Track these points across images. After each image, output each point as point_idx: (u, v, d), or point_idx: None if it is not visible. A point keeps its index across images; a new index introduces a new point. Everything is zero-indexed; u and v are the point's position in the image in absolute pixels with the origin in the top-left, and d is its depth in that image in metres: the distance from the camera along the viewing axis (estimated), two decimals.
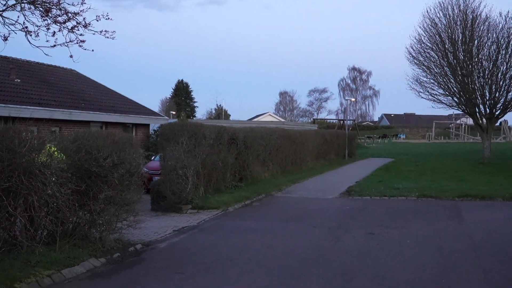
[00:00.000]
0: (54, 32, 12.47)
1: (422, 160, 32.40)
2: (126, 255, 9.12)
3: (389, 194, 17.08)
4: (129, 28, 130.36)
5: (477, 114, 31.42)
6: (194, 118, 74.43)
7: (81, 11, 12.49)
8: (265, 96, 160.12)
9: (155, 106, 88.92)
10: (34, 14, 12.35)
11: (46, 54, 15.06)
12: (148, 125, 27.33)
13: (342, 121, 70.21)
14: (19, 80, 21.05)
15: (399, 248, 9.69)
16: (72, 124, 20.93)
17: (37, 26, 12.36)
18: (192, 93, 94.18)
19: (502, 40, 29.44)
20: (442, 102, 32.12)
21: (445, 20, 30.70)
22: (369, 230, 11.25)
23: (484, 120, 31.49)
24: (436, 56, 31.44)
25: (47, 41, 12.52)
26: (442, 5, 30.79)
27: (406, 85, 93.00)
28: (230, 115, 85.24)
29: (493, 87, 30.19)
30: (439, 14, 30.86)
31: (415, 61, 32.02)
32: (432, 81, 31.90)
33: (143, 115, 26.55)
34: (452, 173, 23.98)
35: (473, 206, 14.96)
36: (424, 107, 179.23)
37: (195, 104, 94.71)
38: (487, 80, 30.22)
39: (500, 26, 29.43)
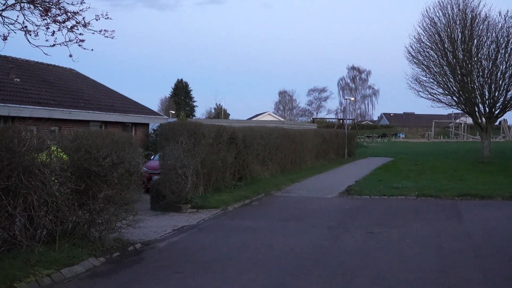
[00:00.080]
0: (54, 31, 12.46)
1: (421, 160, 32.39)
2: (125, 254, 9.12)
3: (388, 193, 17.09)
4: (128, 27, 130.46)
5: (477, 113, 31.43)
6: (194, 118, 74.42)
7: (80, 10, 12.50)
8: (265, 95, 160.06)
9: (154, 106, 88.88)
10: (33, 13, 12.35)
11: (46, 54, 15.08)
12: (147, 125, 27.32)
13: (341, 121, 70.16)
14: (18, 80, 21.04)
15: (398, 247, 9.70)
16: (72, 124, 20.92)
17: (36, 25, 12.36)
18: (191, 93, 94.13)
19: (501, 39, 29.45)
20: (442, 102, 32.15)
21: (444, 19, 30.71)
22: (368, 230, 11.25)
23: (483, 119, 31.50)
24: (435, 56, 31.45)
25: (46, 40, 12.52)
26: (441, 4, 30.81)
27: (405, 85, 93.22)
28: (229, 115, 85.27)
29: (492, 86, 30.19)
30: (439, 13, 30.89)
31: (415, 60, 32.04)
32: (431, 80, 31.92)
33: (143, 114, 26.53)
34: (452, 173, 23.98)
35: (472, 205, 14.96)
36: (424, 106, 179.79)
37: (195, 104, 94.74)
38: (486, 79, 30.23)
39: (500, 25, 29.47)
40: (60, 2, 12.40)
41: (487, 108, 30.95)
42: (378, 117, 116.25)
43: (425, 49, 31.67)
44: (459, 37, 30.31)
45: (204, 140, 15.39)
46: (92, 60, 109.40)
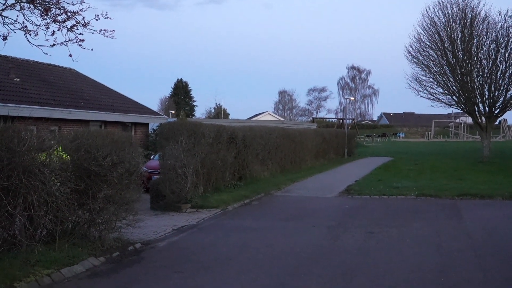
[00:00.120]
0: (54, 31, 12.46)
1: (421, 159, 32.39)
2: (125, 254, 9.12)
3: (388, 193, 17.09)
4: (128, 27, 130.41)
5: (477, 113, 31.43)
6: (193, 117, 74.44)
7: (80, 10, 12.49)
8: (264, 95, 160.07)
9: (154, 105, 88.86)
10: (33, 13, 12.35)
11: (45, 53, 15.10)
12: (147, 124, 27.31)
13: (341, 120, 70.13)
14: (18, 79, 21.03)
15: (398, 247, 9.70)
16: (72, 123, 20.92)
17: (36, 25, 12.36)
18: (191, 92, 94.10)
19: (501, 39, 29.46)
20: (441, 101, 32.16)
21: (444, 19, 30.71)
22: (368, 229, 11.25)
23: (483, 119, 31.50)
24: (435, 55, 31.45)
25: (46, 40, 12.52)
26: (441, 4, 30.81)
27: (405, 84, 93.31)
28: (229, 114, 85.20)
29: (492, 86, 30.20)
30: (438, 13, 30.89)
31: (414, 60, 32.05)
32: (431, 80, 31.94)
33: (142, 114, 26.52)
34: (452, 172, 23.98)
35: (472, 205, 14.96)
36: (424, 106, 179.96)
37: (194, 103, 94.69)
38: (486, 79, 30.23)
39: (500, 25, 29.48)
40: (60, 2, 12.40)
41: (487, 108, 30.95)
42: (378, 116, 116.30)
43: (425, 49, 31.69)
44: (459, 36, 30.31)
45: (204, 140, 15.39)
46: (92, 60, 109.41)
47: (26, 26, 12.22)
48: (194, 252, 9.39)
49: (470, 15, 30.01)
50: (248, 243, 10.06)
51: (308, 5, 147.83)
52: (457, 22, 30.35)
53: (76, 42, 12.74)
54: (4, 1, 12.11)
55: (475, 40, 30.06)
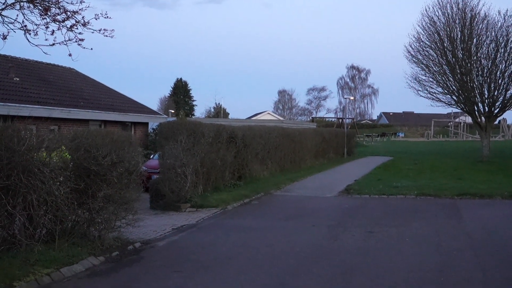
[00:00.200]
0: (53, 30, 12.47)
1: (421, 159, 32.40)
2: (125, 253, 9.12)
3: (388, 192, 17.10)
4: (128, 26, 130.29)
5: (476, 112, 31.45)
6: (193, 117, 74.38)
7: (80, 9, 12.51)
8: (264, 94, 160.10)
9: (154, 105, 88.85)
10: (33, 12, 12.36)
11: (45, 53, 15.09)
12: (147, 124, 27.30)
13: (341, 120, 70.15)
14: (18, 79, 21.01)
15: (398, 246, 9.70)
16: (71, 123, 20.90)
17: (36, 24, 12.37)
18: (191, 92, 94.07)
19: (501, 39, 29.48)
20: (441, 101, 32.18)
21: (443, 19, 30.73)
22: (368, 229, 11.25)
23: (483, 118, 31.51)
24: (434, 55, 31.47)
25: (46, 39, 12.52)
26: (441, 3, 30.83)
27: (405, 84, 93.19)
28: (229, 114, 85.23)
29: (491, 86, 30.22)
30: (438, 12, 30.91)
31: (414, 59, 32.07)
32: (431, 79, 31.96)
33: (142, 113, 26.51)
34: (451, 172, 23.99)
35: (472, 204, 14.97)
36: (423, 105, 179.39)
37: (194, 103, 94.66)
38: (486, 78, 30.24)
39: (499, 24, 29.51)
40: (59, 1, 12.42)
41: (486, 107, 30.96)
42: (377, 116, 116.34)
43: (424, 48, 31.71)
44: (459, 36, 30.33)
45: (203, 139, 15.39)
46: (91, 59, 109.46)
47: (25, 26, 12.24)
48: (193, 252, 9.39)
49: (469, 15, 30.03)
50: (248, 243, 10.06)
51: (307, 5, 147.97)
52: (457, 21, 30.37)
53: (76, 41, 12.75)
54: (4, 1, 12.12)
55: (475, 40, 30.08)
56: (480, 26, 29.90)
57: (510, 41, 29.23)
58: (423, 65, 31.77)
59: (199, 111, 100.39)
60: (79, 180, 8.80)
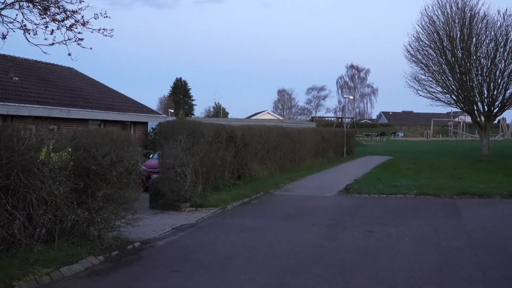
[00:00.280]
0: (53, 30, 12.44)
1: (420, 158, 32.42)
2: (124, 253, 9.12)
3: (387, 192, 17.11)
4: (127, 26, 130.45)
5: (475, 112, 31.46)
6: (193, 116, 74.30)
7: (79, 9, 12.48)
8: (263, 94, 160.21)
9: (153, 104, 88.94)
10: (32, 12, 12.33)
11: (45, 52, 15.01)
12: (146, 123, 27.29)
13: (340, 119, 70.16)
14: (17, 78, 21.00)
15: (397, 246, 9.70)
16: (71, 122, 20.89)
17: (35, 24, 12.34)
18: (190, 91, 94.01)
19: (500, 38, 29.51)
20: (440, 100, 32.20)
21: (443, 18, 30.75)
22: (367, 228, 11.25)
23: (482, 117, 31.53)
24: (434, 54, 31.49)
25: (45, 39, 12.50)
26: (440, 3, 30.87)
27: (404, 83, 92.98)
28: (228, 113, 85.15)
29: (491, 85, 30.24)
30: (437, 12, 30.93)
31: (413, 59, 32.11)
32: (430, 79, 31.99)
33: (142, 113, 26.49)
34: (451, 171, 24.00)
35: (471, 204, 14.98)
36: (423, 105, 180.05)
37: (194, 102, 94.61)
38: (485, 78, 30.26)
39: (498, 24, 29.53)
40: (59, 1, 12.39)
41: (485, 107, 30.99)
42: (377, 115, 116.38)
43: (424, 48, 31.74)
44: (458, 35, 30.35)
45: (203, 139, 15.38)
46: (91, 59, 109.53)
47: (25, 25, 12.22)
48: (193, 251, 9.38)
49: (469, 14, 30.05)
50: (248, 242, 10.06)
51: (307, 5, 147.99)
52: (456, 21, 30.39)
53: (75, 41, 12.73)
54: (3, 0, 12.09)
55: (474, 39, 30.10)
56: (480, 25, 29.95)
57: (509, 40, 29.26)
58: (422, 65, 31.81)
59: (199, 111, 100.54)
60: (78, 180, 8.79)
